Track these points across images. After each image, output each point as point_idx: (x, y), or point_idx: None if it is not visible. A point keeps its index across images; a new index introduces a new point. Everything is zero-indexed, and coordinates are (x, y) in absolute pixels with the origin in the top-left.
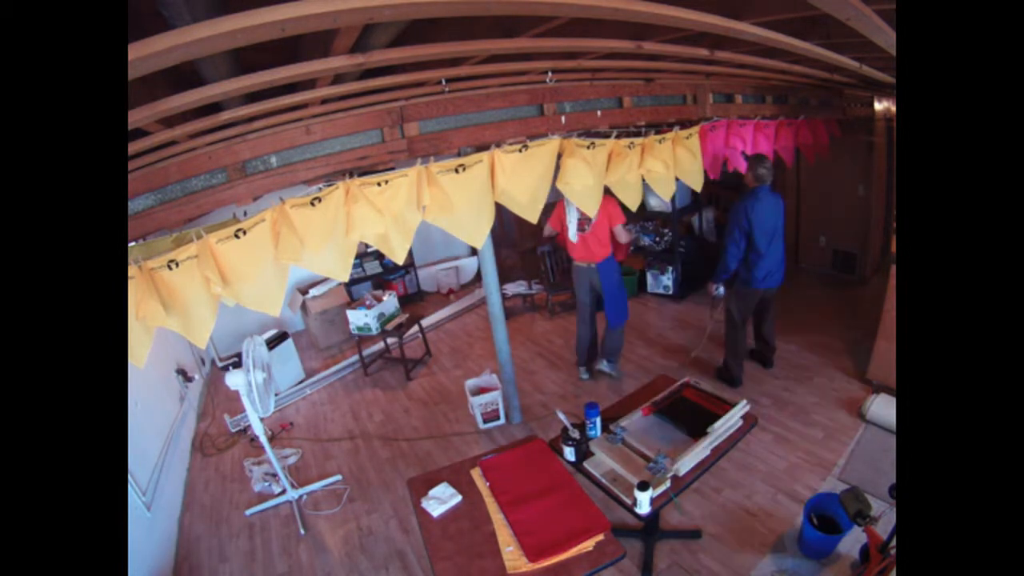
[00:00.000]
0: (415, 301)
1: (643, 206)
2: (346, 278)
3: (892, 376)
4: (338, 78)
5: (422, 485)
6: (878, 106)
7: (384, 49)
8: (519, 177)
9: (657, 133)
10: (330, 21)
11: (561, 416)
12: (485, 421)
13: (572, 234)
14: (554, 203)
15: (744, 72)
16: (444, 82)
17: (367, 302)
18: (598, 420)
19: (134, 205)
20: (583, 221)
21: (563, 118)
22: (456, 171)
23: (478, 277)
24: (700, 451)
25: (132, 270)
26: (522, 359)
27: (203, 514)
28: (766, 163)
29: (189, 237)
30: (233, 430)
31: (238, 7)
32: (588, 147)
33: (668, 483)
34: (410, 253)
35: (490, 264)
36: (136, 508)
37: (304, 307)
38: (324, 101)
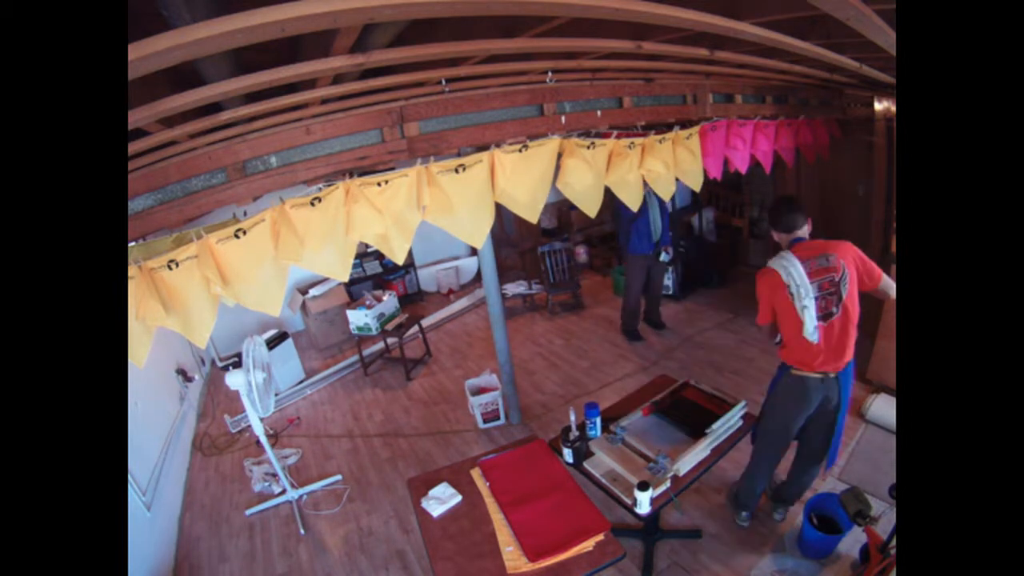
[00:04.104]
0: (415, 301)
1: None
2: (346, 278)
3: (892, 376)
4: (338, 78)
5: (422, 485)
6: (878, 106)
7: (384, 49)
8: (519, 177)
9: (657, 133)
10: (330, 21)
11: (572, 415)
12: (485, 421)
13: (810, 330)
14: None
15: (744, 72)
16: (444, 82)
17: (367, 302)
18: (598, 420)
19: (134, 205)
20: (830, 301)
21: (563, 118)
22: (456, 171)
23: (478, 277)
24: (700, 451)
25: (132, 270)
26: (522, 359)
27: (203, 514)
28: None
29: (189, 237)
30: (233, 430)
31: (238, 7)
32: (588, 147)
33: (668, 483)
34: (410, 253)
35: (490, 264)
36: (136, 508)
37: (304, 307)
38: (324, 101)
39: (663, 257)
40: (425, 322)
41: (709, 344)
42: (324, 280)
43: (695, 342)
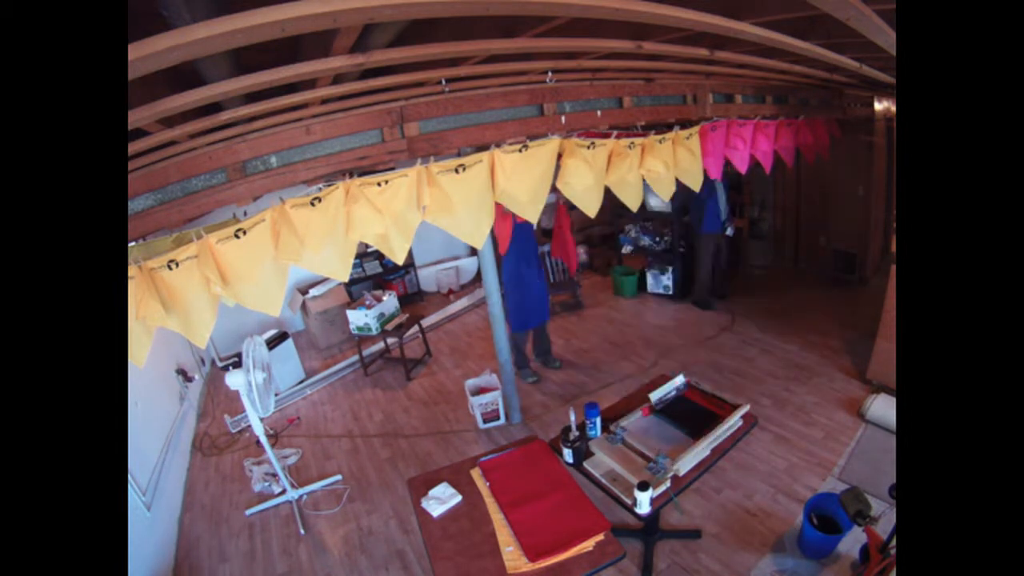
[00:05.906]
0: (415, 301)
1: (643, 206)
2: (346, 278)
3: (892, 376)
4: (338, 78)
5: (422, 485)
6: (878, 106)
7: (384, 49)
8: (519, 177)
9: (657, 133)
10: (330, 21)
11: (572, 415)
12: (485, 421)
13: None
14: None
15: (744, 72)
16: (444, 82)
17: (367, 302)
18: (598, 420)
19: (134, 205)
20: None
21: (563, 118)
22: (456, 171)
23: (478, 277)
24: (700, 451)
25: (132, 270)
26: None
27: (203, 514)
28: None
29: (189, 237)
30: (233, 430)
31: (238, 7)
32: (588, 147)
33: (668, 483)
34: (410, 253)
35: (490, 264)
36: (136, 508)
37: (304, 307)
38: (324, 101)
39: (729, 231)
40: (425, 322)
41: (710, 344)
42: (324, 280)
43: (695, 341)
